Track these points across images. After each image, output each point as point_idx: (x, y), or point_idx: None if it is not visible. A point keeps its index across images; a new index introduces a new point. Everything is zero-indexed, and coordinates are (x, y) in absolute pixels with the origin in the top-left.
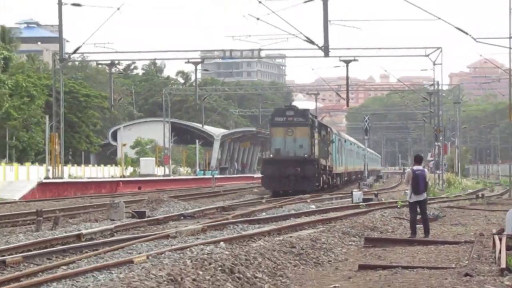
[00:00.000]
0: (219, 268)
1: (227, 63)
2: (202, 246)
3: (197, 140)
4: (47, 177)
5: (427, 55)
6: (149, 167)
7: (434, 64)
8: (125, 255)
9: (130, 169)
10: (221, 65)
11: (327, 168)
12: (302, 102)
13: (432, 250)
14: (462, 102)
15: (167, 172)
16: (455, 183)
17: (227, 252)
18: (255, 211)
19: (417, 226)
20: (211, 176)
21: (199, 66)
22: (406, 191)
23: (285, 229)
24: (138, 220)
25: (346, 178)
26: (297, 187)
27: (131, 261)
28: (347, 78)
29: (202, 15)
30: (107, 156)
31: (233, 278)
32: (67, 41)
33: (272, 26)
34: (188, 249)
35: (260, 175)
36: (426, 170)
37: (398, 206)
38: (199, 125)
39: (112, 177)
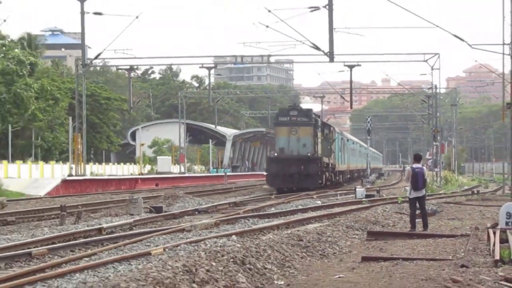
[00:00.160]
0: (231, 260)
1: (239, 68)
2: (215, 239)
3: (210, 140)
4: (70, 175)
5: (426, 61)
6: (166, 165)
7: (432, 69)
8: (143, 247)
9: (148, 167)
10: (233, 70)
11: (330, 166)
12: (308, 105)
13: (431, 243)
14: (459, 104)
15: (182, 170)
16: (452, 180)
17: (238, 245)
18: (265, 206)
19: (417, 220)
20: (223, 174)
21: (212, 71)
22: (406, 187)
23: (292, 223)
24: (155, 214)
25: (348, 176)
26: (301, 184)
27: (149, 253)
28: (351, 82)
29: (215, 23)
30: (127, 155)
31: (244, 269)
32: (89, 47)
33: (280, 34)
34: (202, 242)
35: None
36: (425, 168)
37: (399, 202)
38: (212, 126)
39: (131, 174)
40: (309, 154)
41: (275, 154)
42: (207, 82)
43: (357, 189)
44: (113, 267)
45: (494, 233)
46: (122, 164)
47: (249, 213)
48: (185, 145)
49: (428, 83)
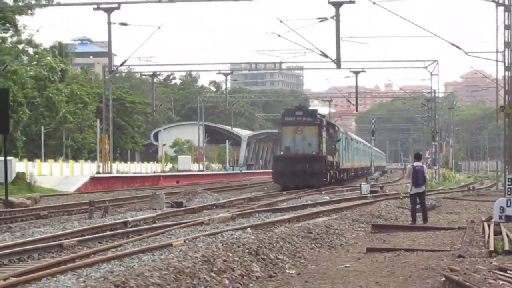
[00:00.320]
0: (246, 251)
1: (253, 74)
2: (231, 231)
3: (227, 140)
4: (98, 172)
5: (425, 67)
6: (186, 163)
7: (431, 74)
8: (165, 239)
9: (170, 165)
10: (248, 76)
11: (334, 164)
12: (317, 108)
13: (430, 235)
14: (455, 107)
15: (201, 168)
16: (449, 177)
17: (253, 237)
18: (277, 201)
19: (417, 214)
20: (239, 172)
21: (228, 77)
22: (407, 184)
23: (303, 217)
24: (176, 209)
25: (352, 174)
26: (306, 182)
27: (170, 245)
28: (356, 86)
29: (231, 33)
30: (150, 154)
31: (258, 259)
32: (115, 55)
33: (291, 42)
34: (220, 234)
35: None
36: (424, 166)
37: (401, 197)
38: (228, 128)
39: (154, 172)
40: (314, 153)
41: (281, 152)
42: (224, 87)
43: (362, 186)
44: (138, 257)
45: (489, 226)
46: (145, 162)
47: (262, 207)
48: (203, 145)
49: (428, 88)
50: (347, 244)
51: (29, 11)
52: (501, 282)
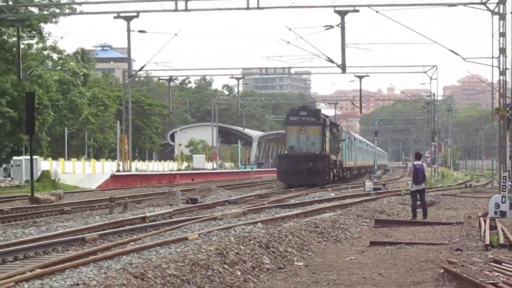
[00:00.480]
0: (257, 244)
1: (263, 78)
2: (243, 226)
3: (239, 141)
4: (118, 171)
5: (425, 72)
6: (200, 162)
7: (431, 79)
8: (181, 233)
9: (185, 164)
10: (259, 80)
11: (338, 163)
12: (323, 110)
13: (430, 230)
14: (453, 110)
15: (215, 166)
16: (448, 175)
17: (263, 231)
18: (286, 198)
19: (417, 210)
20: (250, 170)
21: (240, 81)
22: (408, 181)
23: (310, 212)
24: (191, 205)
25: (355, 172)
26: (309, 180)
27: (186, 238)
28: (360, 90)
29: (243, 39)
30: (166, 154)
31: (269, 252)
32: (134, 60)
33: (299, 49)
34: (232, 228)
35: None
36: (424, 165)
37: (402, 194)
38: (240, 129)
39: (171, 170)
40: (317, 152)
41: (286, 151)
42: (236, 91)
43: (366, 183)
44: (155, 250)
45: (485, 221)
46: (162, 161)
47: (272, 203)
48: (217, 145)
49: (427, 91)
50: (351, 238)
51: (54, 19)
52: (496, 273)
